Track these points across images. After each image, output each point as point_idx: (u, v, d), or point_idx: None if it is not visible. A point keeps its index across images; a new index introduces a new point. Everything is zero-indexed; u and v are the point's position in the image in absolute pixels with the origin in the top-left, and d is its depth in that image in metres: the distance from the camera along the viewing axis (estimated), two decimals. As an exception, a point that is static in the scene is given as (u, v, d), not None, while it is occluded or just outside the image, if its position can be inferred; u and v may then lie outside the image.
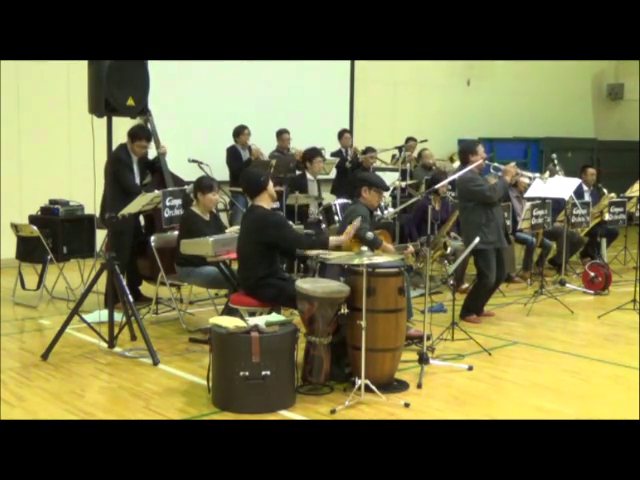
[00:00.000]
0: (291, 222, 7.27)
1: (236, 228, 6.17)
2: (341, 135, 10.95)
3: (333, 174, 10.64)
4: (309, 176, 8.79)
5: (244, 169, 5.54)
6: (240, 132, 9.92)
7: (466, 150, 6.76)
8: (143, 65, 5.52)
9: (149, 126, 7.65)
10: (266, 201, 5.42)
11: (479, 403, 4.80)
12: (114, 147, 6.13)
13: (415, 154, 10.68)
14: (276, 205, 7.35)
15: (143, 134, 7.00)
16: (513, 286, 8.41)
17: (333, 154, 10.69)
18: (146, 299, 7.13)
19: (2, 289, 7.70)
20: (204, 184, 6.42)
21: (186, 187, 6.92)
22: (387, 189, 6.66)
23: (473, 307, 6.84)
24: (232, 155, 9.86)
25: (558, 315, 7.17)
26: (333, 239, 5.40)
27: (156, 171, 7.52)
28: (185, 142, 9.87)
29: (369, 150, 10.05)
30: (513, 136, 14.31)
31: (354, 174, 9.47)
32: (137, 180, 7.08)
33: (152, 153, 7.53)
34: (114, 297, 5.85)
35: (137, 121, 7.21)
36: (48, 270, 7.39)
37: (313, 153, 8.86)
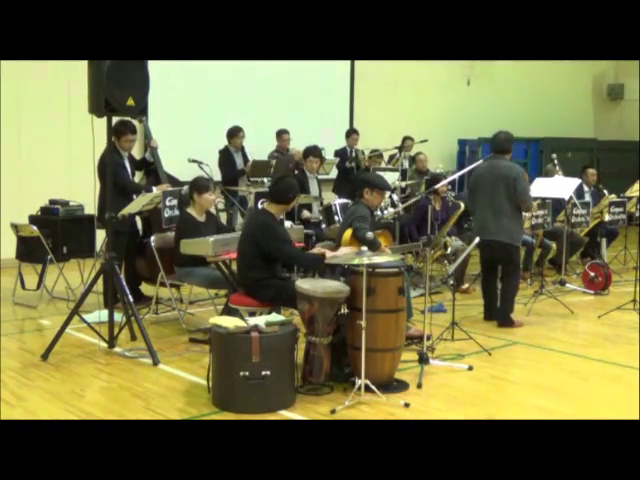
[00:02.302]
0: (291, 222, 7.28)
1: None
2: (349, 134, 10.99)
3: (334, 173, 10.65)
4: (308, 174, 8.79)
5: (277, 178, 5.53)
6: (234, 134, 9.62)
7: (509, 142, 6.81)
8: (143, 65, 5.52)
9: (145, 128, 7.66)
10: (278, 210, 5.44)
11: (479, 403, 4.80)
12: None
13: (412, 153, 10.69)
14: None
15: (127, 129, 6.91)
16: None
17: (337, 152, 10.68)
18: (147, 298, 7.13)
19: (2, 289, 7.70)
20: (200, 184, 6.41)
21: (183, 188, 6.90)
22: (390, 189, 6.65)
23: (512, 307, 6.81)
24: (224, 158, 9.61)
25: (558, 315, 7.17)
26: (330, 254, 5.32)
27: (152, 172, 7.51)
28: (184, 142, 9.85)
29: (374, 152, 10.03)
30: (514, 136, 14.28)
31: (355, 174, 9.47)
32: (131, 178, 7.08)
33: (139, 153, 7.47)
34: (114, 297, 5.86)
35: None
36: (48, 270, 7.39)
37: (308, 152, 8.86)
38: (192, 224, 6.25)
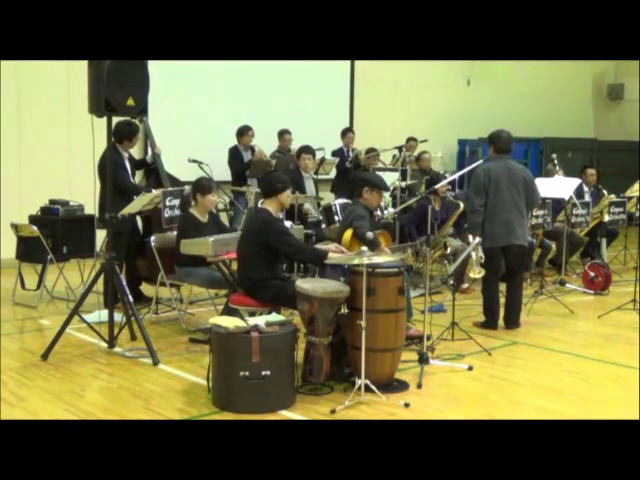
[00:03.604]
0: (291, 222, 7.28)
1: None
2: (344, 134, 10.95)
3: (333, 173, 10.64)
4: (304, 174, 8.79)
5: (264, 175, 5.61)
6: (244, 133, 9.83)
7: (512, 140, 6.78)
8: (143, 65, 5.52)
9: (146, 128, 7.67)
10: (274, 206, 5.43)
11: (479, 403, 4.80)
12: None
13: (416, 153, 10.67)
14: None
15: (136, 128, 6.99)
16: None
17: (334, 152, 10.68)
18: (147, 299, 7.13)
19: (2, 289, 7.70)
20: (203, 185, 6.41)
21: (184, 188, 6.91)
22: (388, 189, 6.64)
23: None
24: (233, 156, 9.83)
25: (558, 315, 7.17)
26: (333, 256, 5.28)
27: (152, 173, 7.53)
28: (185, 142, 9.86)
29: (371, 151, 10.02)
30: (513, 136, 14.28)
31: (354, 174, 9.46)
32: (132, 179, 7.09)
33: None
34: (114, 297, 5.86)
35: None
36: (48, 270, 7.39)
37: (300, 151, 8.86)
38: (195, 225, 6.25)
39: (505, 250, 6.48)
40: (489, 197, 6.41)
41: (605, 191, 9.71)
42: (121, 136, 6.85)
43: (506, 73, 14.27)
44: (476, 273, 5.97)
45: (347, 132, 11.01)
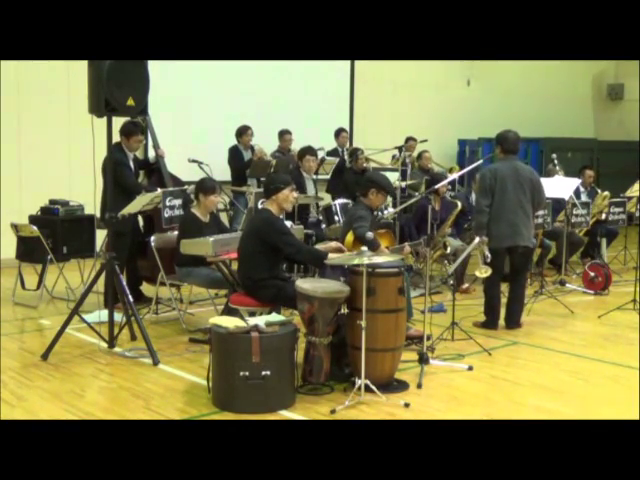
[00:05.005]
0: (291, 222, 7.28)
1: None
2: (338, 134, 10.90)
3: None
4: (304, 174, 8.79)
5: (267, 176, 5.63)
6: (243, 132, 9.88)
7: (519, 141, 6.67)
8: (143, 65, 5.52)
9: (148, 128, 7.67)
10: (274, 207, 5.42)
11: (479, 403, 4.80)
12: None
13: (415, 154, 10.66)
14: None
15: (137, 129, 6.99)
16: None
17: (329, 153, 10.66)
18: (148, 299, 7.13)
19: (2, 289, 7.70)
20: (207, 186, 6.41)
21: (187, 187, 6.91)
22: (394, 194, 6.64)
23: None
24: (233, 155, 9.86)
25: (558, 315, 7.17)
26: (333, 256, 5.26)
27: (154, 172, 7.53)
28: (185, 142, 9.87)
29: (354, 152, 9.93)
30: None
31: (348, 175, 9.44)
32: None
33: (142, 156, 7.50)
34: (114, 297, 5.86)
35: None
36: (48, 270, 7.39)
37: (304, 152, 8.84)
38: (196, 224, 6.26)
39: (510, 251, 6.47)
40: (495, 198, 6.38)
41: (599, 189, 9.70)
42: (129, 133, 6.88)
43: (506, 73, 14.26)
44: (482, 272, 5.95)
45: (341, 132, 10.96)
